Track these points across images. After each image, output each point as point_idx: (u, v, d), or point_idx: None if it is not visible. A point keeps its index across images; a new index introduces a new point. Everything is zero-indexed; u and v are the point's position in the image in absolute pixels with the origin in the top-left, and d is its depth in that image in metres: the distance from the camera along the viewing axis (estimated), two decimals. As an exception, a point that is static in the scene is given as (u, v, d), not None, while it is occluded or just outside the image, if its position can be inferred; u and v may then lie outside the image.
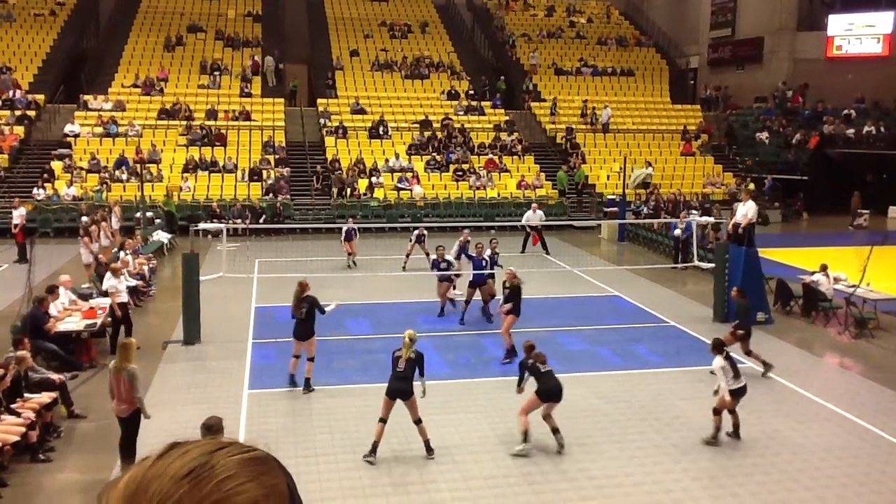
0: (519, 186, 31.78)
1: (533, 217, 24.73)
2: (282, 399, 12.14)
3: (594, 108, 37.32)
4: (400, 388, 10.00)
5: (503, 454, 10.22)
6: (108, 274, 14.92)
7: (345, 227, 22.18)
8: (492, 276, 16.69)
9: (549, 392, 10.21)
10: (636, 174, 31.80)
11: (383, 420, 9.96)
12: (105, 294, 15.44)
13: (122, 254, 18.19)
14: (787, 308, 17.85)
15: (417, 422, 10.07)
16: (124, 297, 14.75)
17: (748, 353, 13.36)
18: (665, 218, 26.39)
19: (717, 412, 10.55)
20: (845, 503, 9.05)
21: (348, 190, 30.17)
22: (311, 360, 12.37)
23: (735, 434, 10.70)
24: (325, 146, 33.07)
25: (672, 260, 23.20)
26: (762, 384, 13.03)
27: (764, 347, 15.08)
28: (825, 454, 10.32)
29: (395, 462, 9.97)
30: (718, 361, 10.57)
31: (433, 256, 17.88)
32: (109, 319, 14.39)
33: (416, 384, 10.14)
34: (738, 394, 10.55)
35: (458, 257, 17.96)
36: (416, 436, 10.43)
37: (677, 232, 23.01)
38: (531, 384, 10.62)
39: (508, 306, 13.90)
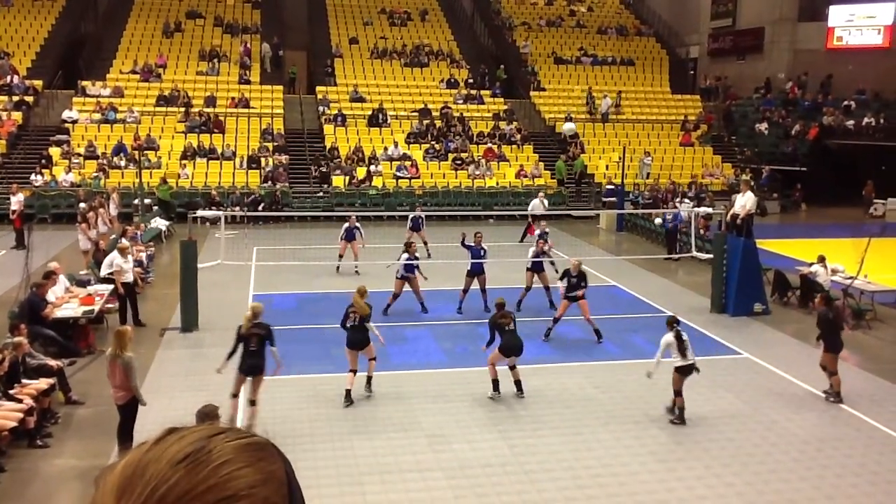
0: (518, 176, 31.75)
1: (538, 206, 24.64)
2: (278, 386, 12.15)
3: (594, 97, 37.25)
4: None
5: (500, 442, 10.25)
6: (115, 253, 15.17)
7: (344, 227, 19.85)
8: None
9: (511, 348, 11.52)
10: (643, 165, 31.87)
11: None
12: (103, 280, 15.47)
13: (122, 240, 18.16)
14: (785, 299, 17.88)
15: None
16: (129, 277, 15.05)
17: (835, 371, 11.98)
18: (663, 208, 26.40)
19: (677, 393, 10.84)
20: (840, 494, 9.09)
21: (347, 178, 30.13)
22: (374, 359, 11.92)
23: (681, 417, 10.86)
24: (324, 134, 33.00)
25: (666, 251, 23.21)
26: (756, 373, 13.08)
27: (760, 338, 15.15)
28: (821, 445, 10.37)
29: (392, 449, 10.00)
30: (668, 338, 10.84)
31: (470, 242, 16.94)
32: (115, 302, 14.61)
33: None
34: (683, 371, 10.79)
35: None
36: (413, 424, 10.47)
37: (658, 220, 23.09)
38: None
39: (582, 292, 14.61)
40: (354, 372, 11.49)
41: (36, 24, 37.28)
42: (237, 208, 27.01)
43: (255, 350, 10.21)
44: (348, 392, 11.44)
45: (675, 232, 23.04)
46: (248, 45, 37.32)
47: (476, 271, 16.52)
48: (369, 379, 11.78)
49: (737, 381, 12.73)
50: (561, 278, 15.08)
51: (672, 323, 11.03)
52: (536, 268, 16.83)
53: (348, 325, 11.68)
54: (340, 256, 19.88)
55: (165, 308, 16.15)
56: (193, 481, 0.93)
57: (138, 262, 18.13)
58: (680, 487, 9.18)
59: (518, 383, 11.72)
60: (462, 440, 10.32)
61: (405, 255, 16.33)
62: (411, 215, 21.99)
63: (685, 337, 10.91)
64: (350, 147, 31.80)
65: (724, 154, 35.66)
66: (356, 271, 19.40)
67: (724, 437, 10.54)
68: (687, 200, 25.95)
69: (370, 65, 38.03)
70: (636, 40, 43.70)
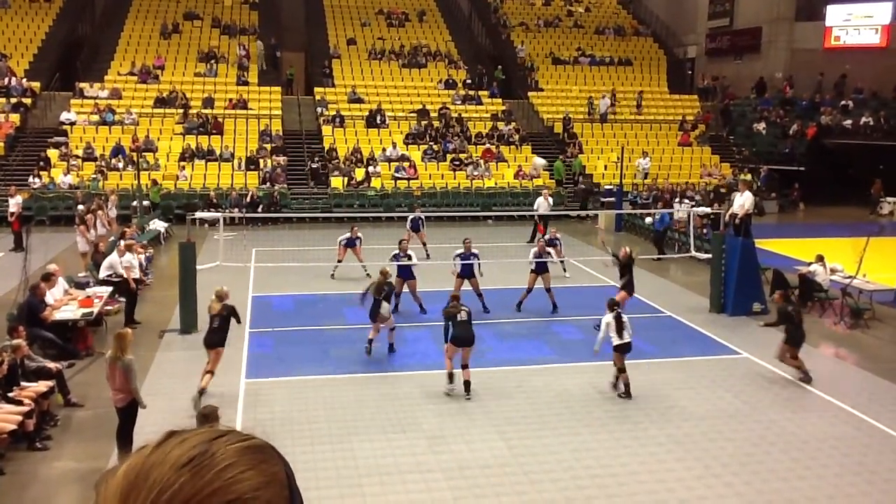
0: (517, 176, 31.76)
1: (543, 204, 24.64)
2: (278, 388, 12.16)
3: (591, 97, 37.28)
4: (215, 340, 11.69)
5: (499, 443, 10.26)
6: (115, 255, 15.77)
7: (346, 235, 19.37)
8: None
9: (462, 339, 11.67)
10: (640, 166, 31.90)
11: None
12: (102, 282, 15.48)
13: (121, 243, 18.15)
14: (783, 299, 17.87)
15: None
16: (138, 273, 15.82)
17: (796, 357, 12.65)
18: (662, 208, 26.40)
19: (621, 370, 11.74)
20: (840, 493, 9.10)
21: (345, 179, 30.14)
22: (393, 329, 13.71)
23: (627, 392, 11.70)
24: (323, 135, 33.00)
25: (658, 251, 23.14)
26: (755, 373, 13.09)
27: (759, 338, 15.15)
28: (819, 444, 10.37)
29: (391, 450, 10.01)
30: (607, 318, 11.78)
31: (460, 250, 16.74)
32: (115, 304, 14.70)
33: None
34: (622, 349, 11.70)
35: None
36: (412, 425, 10.47)
37: (648, 220, 23.14)
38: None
39: (622, 282, 14.76)
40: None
41: (33, 26, 37.26)
42: (236, 210, 26.99)
43: (216, 327, 11.64)
44: None
45: (663, 234, 23.06)
46: (246, 46, 37.28)
47: (466, 274, 16.46)
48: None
49: (735, 381, 12.74)
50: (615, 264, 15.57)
51: (612, 306, 11.95)
52: (540, 269, 16.81)
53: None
54: (339, 261, 19.32)
55: (164, 310, 16.14)
56: (198, 485, 0.94)
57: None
58: (679, 488, 9.19)
59: (467, 384, 11.68)
60: (461, 441, 10.32)
61: (396, 253, 16.36)
62: (410, 216, 21.92)
63: (624, 319, 11.86)
64: (348, 148, 31.80)
65: (722, 154, 35.69)
66: (367, 274, 18.39)
67: (723, 437, 10.55)
68: (686, 201, 25.96)
69: (368, 66, 38.04)
70: (634, 40, 43.73)
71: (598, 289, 19.03)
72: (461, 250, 16.64)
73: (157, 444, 1.00)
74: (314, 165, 30.62)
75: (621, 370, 11.78)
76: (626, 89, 39.27)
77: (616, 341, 11.69)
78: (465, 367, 11.75)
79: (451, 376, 11.80)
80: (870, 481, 9.39)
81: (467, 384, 11.70)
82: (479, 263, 16.53)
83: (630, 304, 17.48)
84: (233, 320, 11.78)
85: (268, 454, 1.03)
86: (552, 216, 25.16)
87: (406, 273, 16.31)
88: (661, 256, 22.47)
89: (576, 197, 28.47)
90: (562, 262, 18.94)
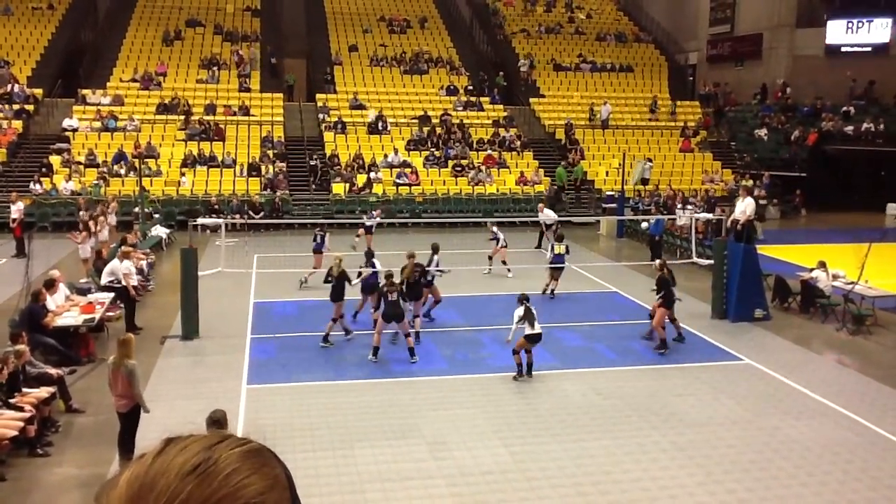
0: (518, 182, 31.78)
1: (550, 211, 24.41)
2: (280, 394, 12.15)
3: (593, 103, 37.32)
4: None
5: (501, 449, 10.24)
6: (116, 261, 15.62)
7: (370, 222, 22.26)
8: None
9: (391, 315, 13.30)
10: (637, 170, 31.82)
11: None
12: (104, 289, 15.48)
13: (121, 248, 18.16)
14: (786, 305, 17.88)
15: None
16: (135, 280, 15.68)
17: (673, 320, 14.82)
18: (664, 214, 26.39)
19: (515, 352, 12.77)
20: (842, 499, 9.07)
21: (347, 185, 30.17)
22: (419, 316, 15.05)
23: (528, 372, 12.81)
24: (324, 141, 33.05)
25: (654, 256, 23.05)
26: (758, 379, 13.07)
27: (761, 344, 15.15)
28: (822, 450, 10.35)
29: (393, 456, 9.99)
30: (519, 311, 12.79)
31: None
32: (117, 310, 14.67)
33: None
34: (532, 339, 12.70)
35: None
36: (414, 431, 10.44)
37: (644, 225, 23.16)
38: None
39: (658, 299, 14.71)
40: None
41: (36, 33, 37.37)
42: (237, 216, 26.99)
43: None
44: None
45: (659, 239, 23.07)
46: (241, 53, 37.33)
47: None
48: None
49: (738, 387, 12.72)
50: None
51: (522, 300, 12.99)
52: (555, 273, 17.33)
53: None
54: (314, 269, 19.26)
55: (166, 316, 16.14)
56: (206, 492, 0.95)
57: (139, 270, 18.14)
58: (682, 494, 9.16)
59: (411, 350, 13.52)
60: (463, 447, 10.30)
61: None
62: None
63: (534, 311, 12.84)
64: (350, 154, 31.84)
65: (724, 160, 35.69)
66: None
67: (726, 444, 10.53)
68: (689, 207, 25.96)
69: (370, 72, 38.11)
70: (635, 47, 43.80)
71: (601, 294, 19.04)
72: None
73: (156, 452, 1.00)
74: (312, 163, 30.76)
75: (528, 351, 12.85)
76: (628, 96, 39.32)
77: (529, 330, 12.70)
78: (406, 335, 13.64)
79: (376, 350, 13.43)
80: (872, 487, 9.36)
81: (411, 350, 13.51)
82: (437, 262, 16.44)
83: (632, 310, 17.55)
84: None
85: (267, 457, 1.04)
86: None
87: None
88: (651, 263, 22.44)
89: (548, 198, 27.99)
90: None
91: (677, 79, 42.11)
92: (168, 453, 0.99)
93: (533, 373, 12.91)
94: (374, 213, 23.97)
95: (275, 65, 38.28)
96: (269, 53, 38.29)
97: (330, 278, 14.61)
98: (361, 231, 22.45)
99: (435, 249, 16.52)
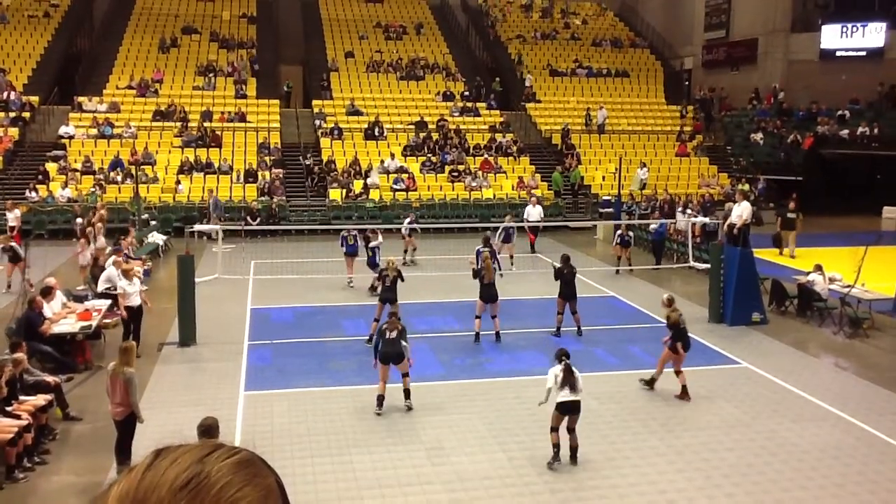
0: (515, 187, 31.80)
1: (532, 212, 24.64)
2: (278, 400, 12.12)
3: (589, 108, 37.39)
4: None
5: (499, 455, 10.23)
6: (112, 269, 15.19)
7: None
8: None
9: (386, 356, 11.48)
10: (636, 177, 31.89)
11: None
12: (101, 296, 15.44)
13: (115, 258, 18.07)
14: (782, 308, 17.89)
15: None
16: (135, 301, 14.33)
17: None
18: (661, 219, 26.41)
19: (553, 430, 9.93)
20: (840, 503, 9.07)
21: (343, 191, 30.18)
22: (494, 317, 15.31)
23: (572, 458, 9.99)
24: (321, 147, 33.06)
25: (657, 261, 23.15)
26: (755, 383, 13.07)
27: (759, 347, 15.16)
28: (821, 454, 10.35)
29: (391, 462, 9.97)
30: (556, 370, 9.97)
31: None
32: (113, 318, 14.60)
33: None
34: (564, 409, 9.88)
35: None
36: (412, 437, 10.41)
37: (653, 227, 23.26)
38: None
39: (666, 339, 12.70)
40: None
41: (32, 41, 37.35)
42: (227, 217, 26.89)
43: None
44: None
45: (661, 243, 23.10)
46: (233, 62, 37.30)
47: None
48: None
49: (736, 391, 12.72)
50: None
51: (561, 357, 10.18)
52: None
53: None
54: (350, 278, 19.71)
55: (163, 322, 16.10)
56: None
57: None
58: (681, 499, 9.16)
59: (406, 392, 11.67)
60: (461, 453, 10.28)
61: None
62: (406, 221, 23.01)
63: (577, 373, 10.02)
64: (347, 160, 31.85)
65: (720, 164, 35.74)
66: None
67: (724, 448, 10.52)
68: (689, 210, 25.98)
69: (366, 78, 38.14)
70: (630, 52, 43.91)
71: (598, 299, 19.03)
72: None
73: (146, 465, 0.98)
74: (307, 162, 30.81)
75: (570, 430, 9.95)
76: (624, 101, 39.40)
77: (561, 397, 9.83)
78: (404, 376, 11.66)
79: (380, 399, 11.49)
80: (871, 491, 9.36)
81: (406, 392, 11.68)
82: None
83: (630, 315, 17.57)
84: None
85: (259, 467, 1.03)
86: (551, 225, 25.18)
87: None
88: (658, 266, 22.49)
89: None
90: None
91: (673, 84, 42.20)
92: (159, 467, 0.97)
93: (577, 460, 9.93)
94: (407, 219, 23.48)
95: (258, 72, 37.54)
96: (252, 60, 37.89)
97: (385, 281, 15.02)
98: (407, 238, 22.74)
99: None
